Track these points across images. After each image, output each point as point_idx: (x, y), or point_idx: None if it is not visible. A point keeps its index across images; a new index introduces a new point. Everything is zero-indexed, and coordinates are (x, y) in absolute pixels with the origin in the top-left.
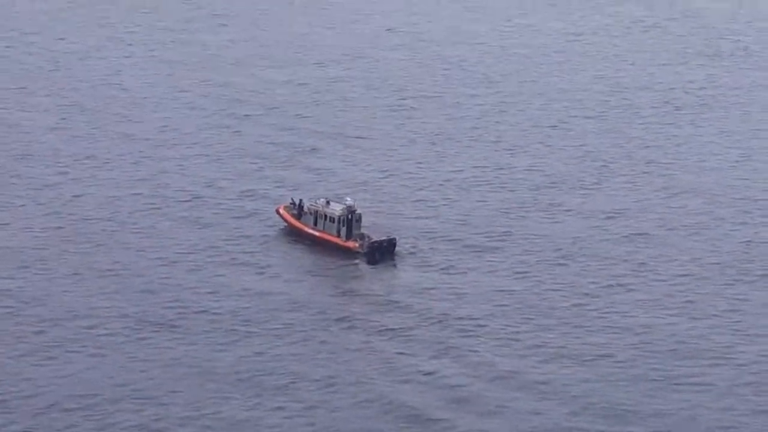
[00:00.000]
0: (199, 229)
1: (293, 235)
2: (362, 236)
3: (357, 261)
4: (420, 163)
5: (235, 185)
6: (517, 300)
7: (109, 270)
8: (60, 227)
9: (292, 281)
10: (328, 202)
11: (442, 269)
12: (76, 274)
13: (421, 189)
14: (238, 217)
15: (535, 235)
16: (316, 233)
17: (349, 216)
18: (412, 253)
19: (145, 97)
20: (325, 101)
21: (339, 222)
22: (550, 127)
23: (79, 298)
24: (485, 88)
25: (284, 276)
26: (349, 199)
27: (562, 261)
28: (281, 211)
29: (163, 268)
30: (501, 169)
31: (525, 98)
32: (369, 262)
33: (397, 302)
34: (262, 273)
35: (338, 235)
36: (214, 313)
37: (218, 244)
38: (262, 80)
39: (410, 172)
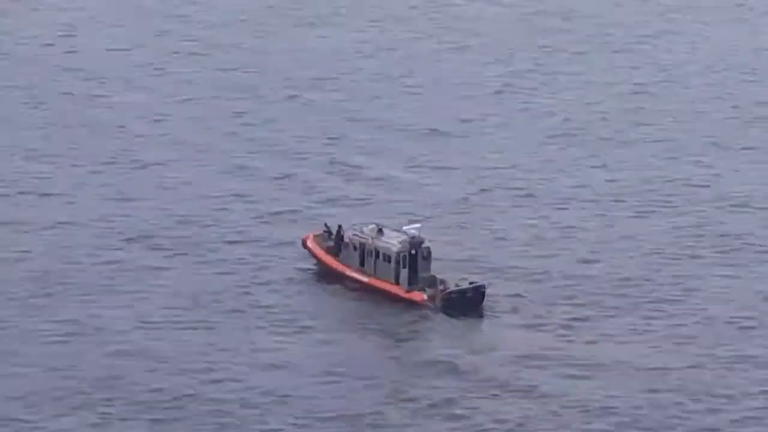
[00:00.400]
0: (186, 273)
1: (328, 278)
2: (433, 282)
3: (425, 320)
4: (532, 170)
5: (246, 204)
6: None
7: (61, 336)
8: None
9: (322, 372)
10: (380, 231)
11: (561, 336)
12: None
13: (524, 207)
14: (244, 259)
15: (715, 290)
16: (363, 278)
17: (413, 252)
18: (512, 311)
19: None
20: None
21: (398, 261)
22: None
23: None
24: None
25: (311, 363)
26: (412, 227)
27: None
28: (310, 243)
29: (136, 333)
30: (669, 180)
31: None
32: (447, 317)
33: (489, 389)
34: (276, 354)
35: (396, 281)
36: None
37: (209, 298)
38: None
39: (515, 182)
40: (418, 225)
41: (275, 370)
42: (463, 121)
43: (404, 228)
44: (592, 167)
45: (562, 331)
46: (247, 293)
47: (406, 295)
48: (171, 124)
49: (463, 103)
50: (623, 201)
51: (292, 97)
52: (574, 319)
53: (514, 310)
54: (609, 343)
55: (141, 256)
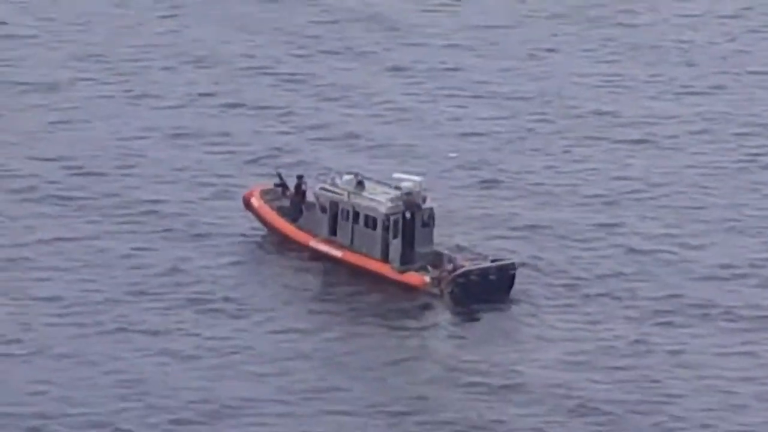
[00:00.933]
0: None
1: (281, 251)
2: (437, 260)
3: (426, 315)
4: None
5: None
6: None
7: None
8: None
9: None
10: (360, 183)
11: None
12: None
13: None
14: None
15: None
16: (334, 252)
17: (409, 214)
18: (548, 298)
19: None
20: None
21: (386, 227)
22: None
23: None
24: None
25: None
26: (409, 178)
27: None
28: (256, 201)
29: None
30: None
31: None
32: (457, 309)
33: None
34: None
35: (384, 257)
36: None
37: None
38: None
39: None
40: (417, 178)
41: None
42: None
43: (395, 176)
44: None
45: (621, 331)
46: (166, 276)
47: (399, 278)
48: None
49: None
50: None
51: None
52: (637, 318)
53: (556, 301)
54: (688, 355)
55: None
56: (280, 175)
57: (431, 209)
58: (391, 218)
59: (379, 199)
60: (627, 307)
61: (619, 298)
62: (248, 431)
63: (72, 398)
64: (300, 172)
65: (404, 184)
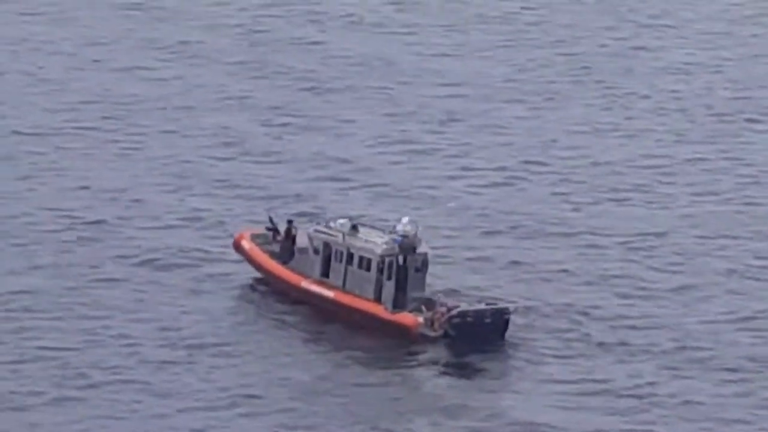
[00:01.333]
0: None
1: (272, 294)
2: (430, 302)
3: (421, 358)
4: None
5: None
6: None
7: None
8: None
9: None
10: (354, 227)
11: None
12: None
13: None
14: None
15: None
16: (326, 292)
17: (403, 258)
18: (549, 349)
19: None
20: None
21: (381, 269)
22: None
23: None
24: None
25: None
26: (404, 221)
27: None
28: (246, 243)
29: None
30: None
31: None
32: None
33: None
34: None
35: (377, 298)
36: None
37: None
38: None
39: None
40: (410, 220)
41: None
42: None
43: (393, 226)
44: None
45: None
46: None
47: (392, 318)
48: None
49: None
50: None
51: None
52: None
53: (552, 349)
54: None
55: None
56: (271, 219)
57: (425, 254)
58: (386, 260)
59: (375, 241)
60: (626, 353)
61: (617, 343)
62: None
63: None
64: (289, 218)
65: (400, 228)
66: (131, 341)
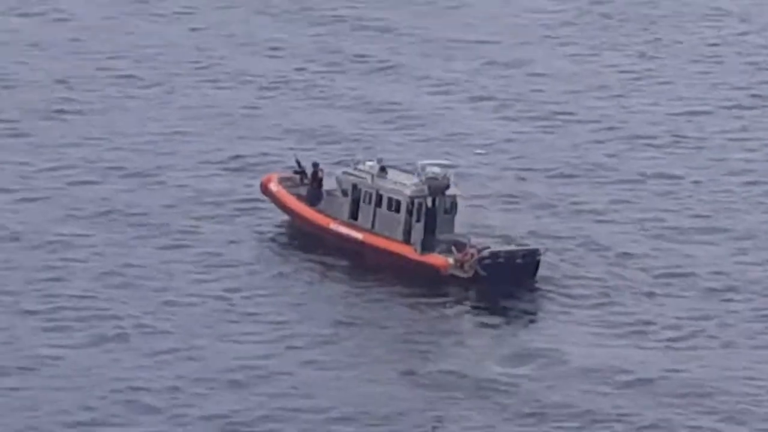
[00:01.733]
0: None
1: (302, 237)
2: (460, 243)
3: (453, 299)
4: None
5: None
6: None
7: None
8: None
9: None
10: (383, 169)
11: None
12: None
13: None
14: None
15: None
16: (355, 234)
17: (434, 200)
18: (576, 281)
19: None
20: None
21: (410, 211)
22: None
23: None
24: None
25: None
26: (436, 163)
27: None
28: (274, 186)
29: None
30: None
31: None
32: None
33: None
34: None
35: (407, 240)
36: None
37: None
38: None
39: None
40: (443, 162)
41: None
42: None
43: (420, 163)
44: None
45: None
46: (188, 272)
47: (421, 259)
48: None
49: None
50: None
51: None
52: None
53: (583, 290)
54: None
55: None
56: (298, 162)
57: (454, 197)
58: (415, 201)
59: (404, 182)
60: (658, 295)
61: (651, 285)
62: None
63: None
64: (315, 160)
65: (430, 170)
66: (164, 286)
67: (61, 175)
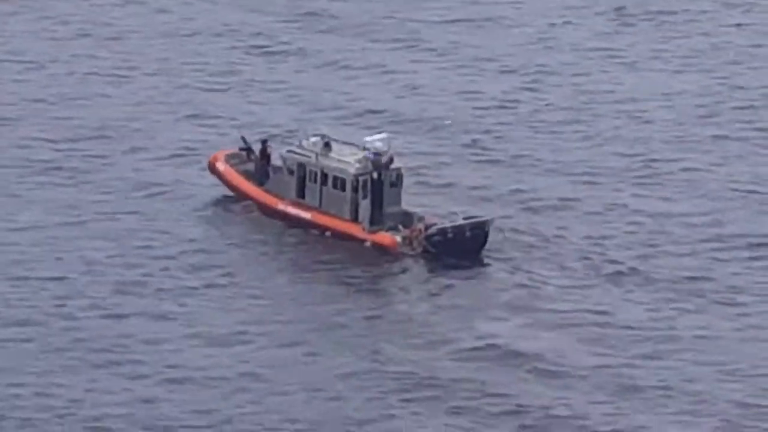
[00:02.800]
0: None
1: (249, 215)
2: (408, 219)
3: (401, 276)
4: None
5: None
6: None
7: None
8: None
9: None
10: (327, 145)
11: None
12: None
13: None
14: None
15: None
16: (302, 213)
17: (378, 175)
18: (525, 251)
19: None
20: None
21: (356, 188)
22: None
23: None
24: None
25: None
26: (377, 137)
27: None
28: (221, 165)
29: None
30: None
31: None
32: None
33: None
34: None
35: (354, 217)
36: None
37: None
38: None
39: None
40: (383, 135)
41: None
42: None
43: (365, 140)
44: None
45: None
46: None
47: (369, 237)
48: None
49: None
50: None
51: None
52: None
53: (533, 257)
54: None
55: None
56: (244, 139)
57: (399, 169)
58: (360, 179)
59: (348, 160)
60: (601, 275)
61: (591, 260)
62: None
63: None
64: (264, 137)
65: (371, 144)
66: (116, 266)
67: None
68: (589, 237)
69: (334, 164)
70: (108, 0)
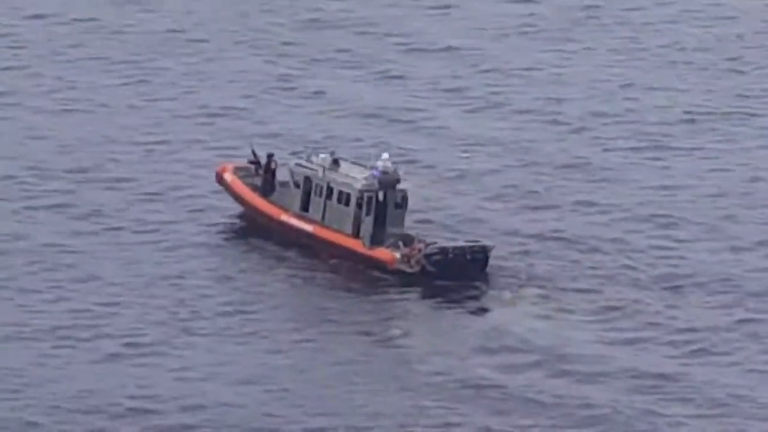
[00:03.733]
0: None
1: (255, 228)
2: (408, 238)
3: (398, 294)
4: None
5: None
6: None
7: None
8: None
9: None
10: (336, 162)
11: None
12: None
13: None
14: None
15: None
16: (305, 226)
17: (383, 194)
18: (525, 282)
19: None
20: None
21: (360, 204)
22: None
23: None
24: None
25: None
26: (384, 156)
27: None
28: (229, 177)
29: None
30: None
31: None
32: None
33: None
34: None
35: (356, 234)
36: None
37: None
38: None
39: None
40: (390, 155)
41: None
42: None
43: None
44: None
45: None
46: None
47: (369, 253)
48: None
49: None
50: None
51: None
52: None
53: (533, 285)
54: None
55: None
56: (253, 152)
57: (405, 191)
58: (365, 195)
59: (354, 176)
60: (598, 300)
61: (590, 291)
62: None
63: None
64: (270, 152)
65: (380, 163)
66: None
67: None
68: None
69: (341, 179)
70: (135, 16)
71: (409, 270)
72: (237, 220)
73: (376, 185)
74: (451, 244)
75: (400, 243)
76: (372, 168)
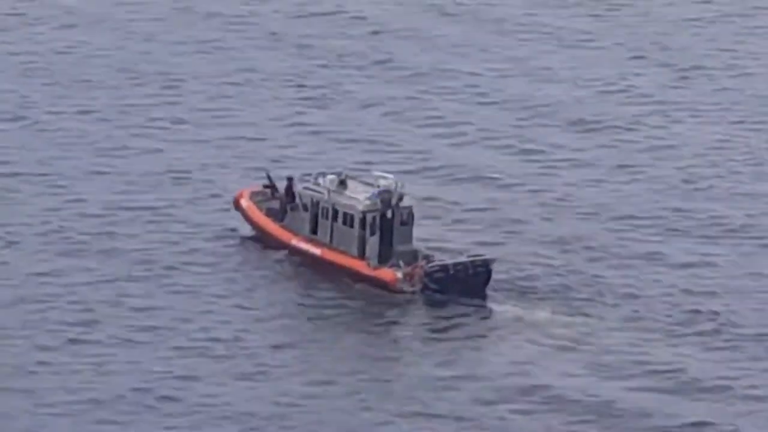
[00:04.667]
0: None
1: (270, 252)
2: (413, 256)
3: (396, 314)
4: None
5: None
6: None
7: None
8: None
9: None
10: (343, 183)
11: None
12: None
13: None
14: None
15: None
16: (314, 250)
17: (388, 212)
18: (528, 292)
19: None
20: None
21: (364, 225)
22: None
23: None
24: None
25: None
26: (386, 177)
27: None
28: (245, 202)
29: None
30: None
31: None
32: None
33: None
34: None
35: (361, 254)
36: None
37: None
38: None
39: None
40: (392, 178)
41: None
42: None
43: (375, 179)
44: None
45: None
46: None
47: (372, 273)
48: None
49: None
50: None
51: None
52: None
53: (534, 298)
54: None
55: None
56: (269, 177)
57: (410, 208)
58: (368, 216)
59: (357, 197)
60: (602, 307)
61: (593, 299)
62: None
63: None
64: (290, 175)
65: (381, 182)
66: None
67: None
68: (598, 276)
69: (345, 201)
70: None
71: (410, 289)
72: (251, 242)
73: (379, 205)
74: (452, 260)
75: (401, 262)
76: (374, 187)
